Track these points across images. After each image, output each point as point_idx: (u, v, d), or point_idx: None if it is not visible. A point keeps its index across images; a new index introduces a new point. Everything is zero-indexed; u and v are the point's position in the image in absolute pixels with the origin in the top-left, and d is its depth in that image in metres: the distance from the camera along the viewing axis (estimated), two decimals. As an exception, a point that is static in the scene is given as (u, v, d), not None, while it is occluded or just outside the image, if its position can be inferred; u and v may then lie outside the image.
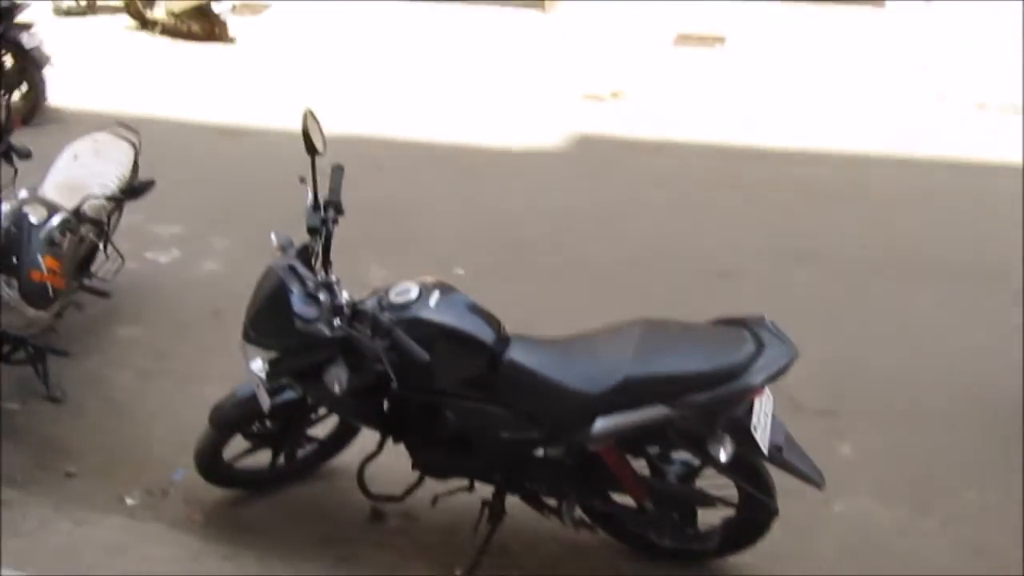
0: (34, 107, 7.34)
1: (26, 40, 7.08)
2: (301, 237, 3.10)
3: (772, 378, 2.81)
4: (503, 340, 3.02)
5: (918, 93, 8.10)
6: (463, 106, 8.03)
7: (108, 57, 9.55)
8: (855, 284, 5.15)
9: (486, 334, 2.98)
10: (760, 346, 2.84)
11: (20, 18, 7.25)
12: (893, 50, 9.02)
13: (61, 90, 7.70)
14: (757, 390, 2.83)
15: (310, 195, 3.10)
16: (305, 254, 3.07)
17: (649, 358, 2.86)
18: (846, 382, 4.31)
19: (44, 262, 3.83)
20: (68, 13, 10.75)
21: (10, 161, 4.31)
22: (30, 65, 7.16)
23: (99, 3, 10.80)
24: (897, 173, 6.61)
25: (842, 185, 6.40)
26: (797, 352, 2.86)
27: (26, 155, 4.30)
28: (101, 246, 4.41)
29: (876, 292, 5.08)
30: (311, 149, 3.03)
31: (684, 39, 9.51)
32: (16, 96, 7.29)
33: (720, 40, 9.42)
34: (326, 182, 3.15)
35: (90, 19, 10.69)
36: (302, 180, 3.11)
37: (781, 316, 3.03)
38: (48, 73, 7.38)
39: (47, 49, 7.26)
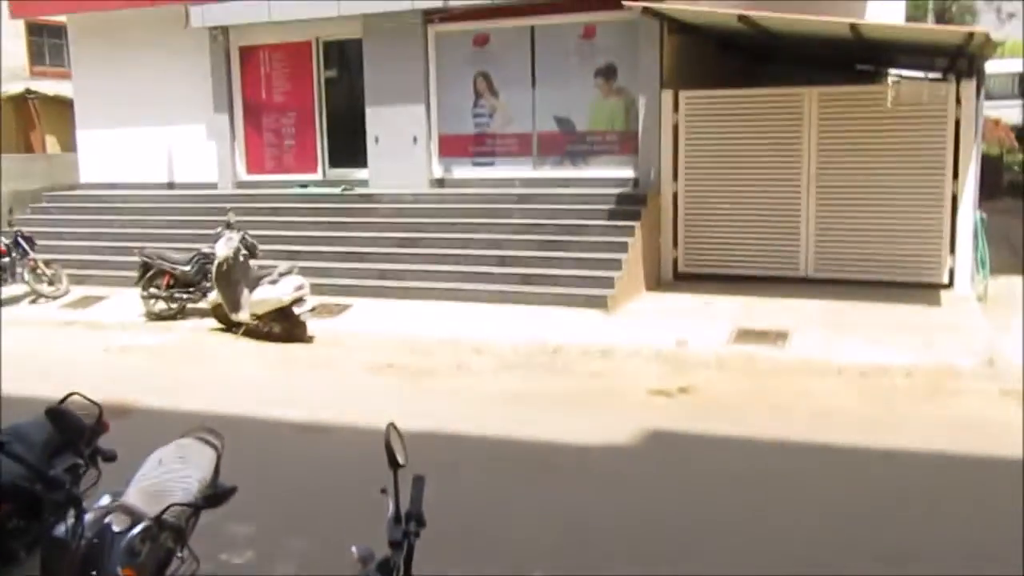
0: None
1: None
2: (380, 545, 3.06)
3: None
4: None
5: (982, 388, 8.05)
6: (534, 401, 8.16)
7: (195, 358, 10.06)
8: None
9: None
10: None
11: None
12: (955, 345, 9.08)
13: (150, 390, 8.04)
14: None
15: (391, 507, 3.10)
16: (386, 568, 3.01)
17: None
18: None
19: (122, 573, 3.81)
20: (160, 317, 11.49)
21: (95, 464, 4.40)
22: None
23: (188, 307, 11.53)
24: (968, 472, 6.40)
25: (930, 486, 6.19)
26: None
27: (111, 458, 4.39)
28: (178, 551, 4.38)
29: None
30: (393, 463, 3.07)
31: (745, 334, 9.72)
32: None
33: (783, 336, 9.59)
34: (407, 491, 3.15)
35: (180, 322, 11.39)
36: (383, 491, 3.12)
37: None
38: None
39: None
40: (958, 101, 11.02)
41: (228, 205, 13.12)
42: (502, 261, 11.76)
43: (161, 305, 11.54)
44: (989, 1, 45.21)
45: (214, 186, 15.10)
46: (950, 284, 11.26)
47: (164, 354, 10.25)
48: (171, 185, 15.65)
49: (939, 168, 11.19)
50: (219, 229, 10.90)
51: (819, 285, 11.44)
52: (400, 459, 3.09)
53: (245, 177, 15.14)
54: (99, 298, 12.69)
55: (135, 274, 11.63)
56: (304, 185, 14.55)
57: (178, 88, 15.24)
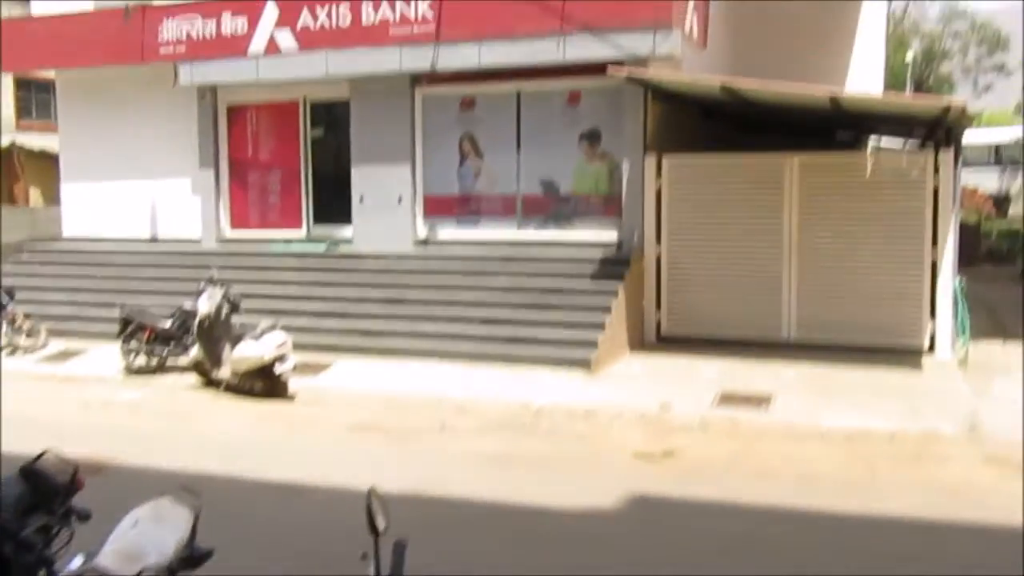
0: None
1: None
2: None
3: None
4: None
5: (965, 453, 8.04)
6: (518, 464, 8.08)
7: (173, 415, 9.93)
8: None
9: None
10: None
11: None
12: (937, 411, 9.10)
13: (127, 447, 7.90)
14: None
15: (372, 573, 3.04)
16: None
17: None
18: None
19: (92, 636, 3.70)
20: (139, 372, 11.37)
21: (69, 523, 4.30)
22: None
23: (168, 363, 11.42)
24: (953, 539, 6.36)
25: (915, 553, 6.14)
26: None
27: (86, 517, 4.29)
28: (151, 615, 4.26)
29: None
30: (374, 529, 3.02)
31: (728, 398, 9.71)
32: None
33: (766, 400, 9.59)
34: (389, 556, 3.10)
35: (159, 378, 11.27)
36: (363, 557, 3.06)
37: None
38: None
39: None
40: (936, 170, 11.22)
41: (211, 261, 13.12)
42: (486, 321, 11.76)
43: (141, 360, 11.43)
44: (966, 73, 46.36)
45: (198, 242, 15.09)
46: (931, 349, 11.34)
47: (142, 410, 10.11)
48: (154, 240, 15.62)
49: (919, 235, 11.34)
50: (202, 284, 10.86)
51: (802, 349, 11.50)
52: (380, 525, 3.05)
53: (229, 233, 15.14)
54: (78, 352, 12.56)
55: (115, 328, 11.54)
56: (288, 242, 14.56)
57: (164, 144, 15.33)
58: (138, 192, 15.66)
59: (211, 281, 10.80)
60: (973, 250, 19.73)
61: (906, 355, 11.16)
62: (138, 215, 15.71)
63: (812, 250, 11.76)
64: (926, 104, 11.90)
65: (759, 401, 9.57)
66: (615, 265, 12.09)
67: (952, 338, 11.30)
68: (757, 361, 11.07)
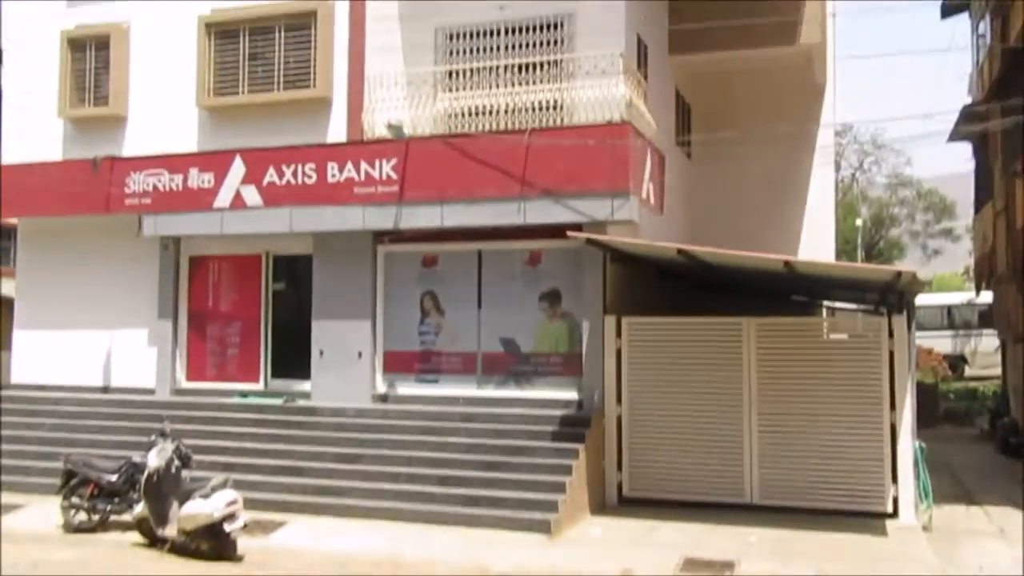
0: None
1: None
2: None
3: None
4: None
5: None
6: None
7: (109, 578, 9.42)
8: None
9: None
10: None
11: None
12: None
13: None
14: None
15: None
16: None
17: None
18: None
19: None
20: (79, 530, 10.87)
21: None
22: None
23: (111, 519, 10.95)
24: None
25: None
26: None
27: None
28: None
29: None
30: None
31: (691, 563, 9.45)
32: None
33: (729, 566, 9.34)
34: None
35: (100, 536, 10.77)
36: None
37: None
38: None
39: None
40: (891, 334, 11.42)
41: (164, 412, 12.83)
42: (444, 481, 11.50)
43: (82, 516, 10.96)
44: (914, 237, 48.11)
45: (152, 392, 14.80)
46: (895, 513, 11.22)
47: (79, 572, 9.58)
48: (106, 389, 15.30)
49: (876, 399, 11.42)
50: (153, 437, 10.55)
51: (765, 512, 11.34)
52: None
53: (184, 384, 14.88)
54: (16, 507, 12.01)
55: (58, 481, 11.11)
56: (244, 395, 14.32)
57: (122, 293, 15.27)
58: (93, 341, 15.44)
59: (162, 434, 10.50)
60: (931, 411, 19.91)
61: (870, 519, 11.03)
62: (92, 364, 15.44)
63: (772, 413, 11.77)
64: (877, 271, 12.24)
65: (722, 567, 9.32)
66: (576, 425, 11.98)
67: (915, 502, 11.22)
68: (720, 524, 10.86)
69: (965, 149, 22.35)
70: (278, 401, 13.89)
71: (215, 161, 14.22)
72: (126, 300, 15.23)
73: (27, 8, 16.19)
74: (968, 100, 21.45)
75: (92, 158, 14.97)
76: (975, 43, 21.10)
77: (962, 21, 22.08)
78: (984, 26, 20.06)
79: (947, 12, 21.94)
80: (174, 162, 14.47)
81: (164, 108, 15.00)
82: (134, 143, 15.20)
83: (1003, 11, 16.95)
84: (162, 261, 15.00)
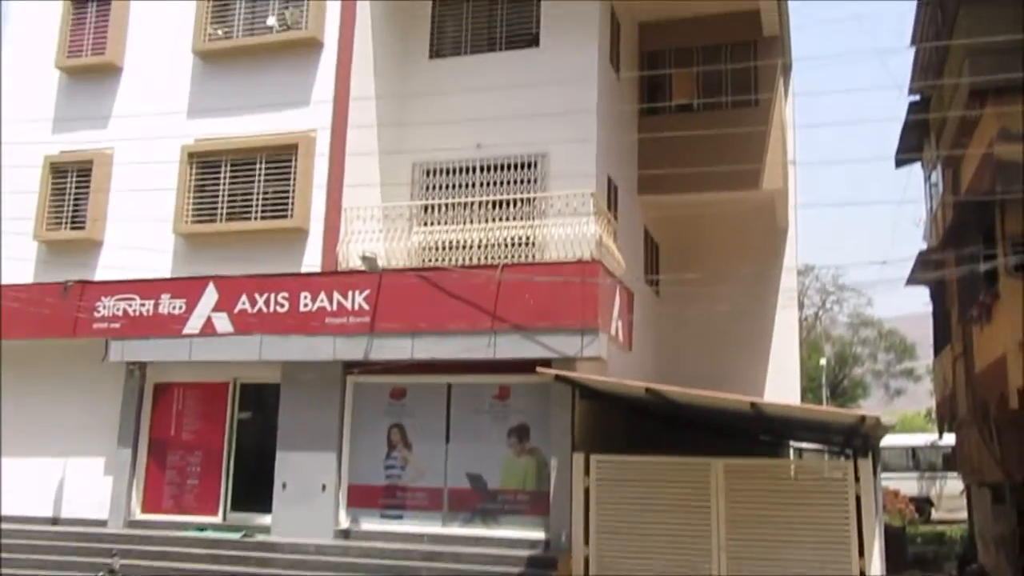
0: None
1: None
2: None
3: None
4: None
5: None
6: None
7: None
8: None
9: None
10: None
11: None
12: None
13: None
14: None
15: None
16: None
17: None
18: None
19: None
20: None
21: None
22: None
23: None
24: None
25: None
26: None
27: None
28: None
29: None
30: None
31: None
32: None
33: None
34: None
35: None
36: None
37: None
38: None
39: None
40: (857, 478, 11.41)
41: (115, 546, 12.40)
42: (404, 623, 11.12)
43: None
44: (877, 376, 48.72)
45: (104, 523, 14.29)
46: (865, 667, 10.93)
47: None
48: (56, 520, 14.75)
49: (844, 544, 11.28)
50: (100, 574, 10.17)
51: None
52: None
53: (139, 516, 14.39)
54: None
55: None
56: (202, 528, 13.89)
57: (81, 419, 14.94)
58: (46, 469, 14.95)
59: (111, 571, 10.14)
60: (900, 556, 19.65)
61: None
62: (42, 493, 14.91)
63: (741, 557, 11.58)
64: (841, 415, 12.33)
65: None
66: (542, 566, 11.73)
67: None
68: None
69: (924, 292, 22.93)
70: (236, 536, 13.47)
71: (188, 287, 14.24)
72: (85, 427, 14.88)
73: (13, 132, 16.34)
74: (924, 246, 22.14)
75: (63, 282, 14.92)
76: (928, 192, 21.94)
77: (916, 171, 23.02)
78: (936, 176, 20.91)
79: (900, 162, 22.89)
80: (146, 287, 14.46)
81: (141, 233, 15.02)
82: (108, 267, 15.16)
83: (954, 162, 17.70)
84: (126, 387, 14.76)
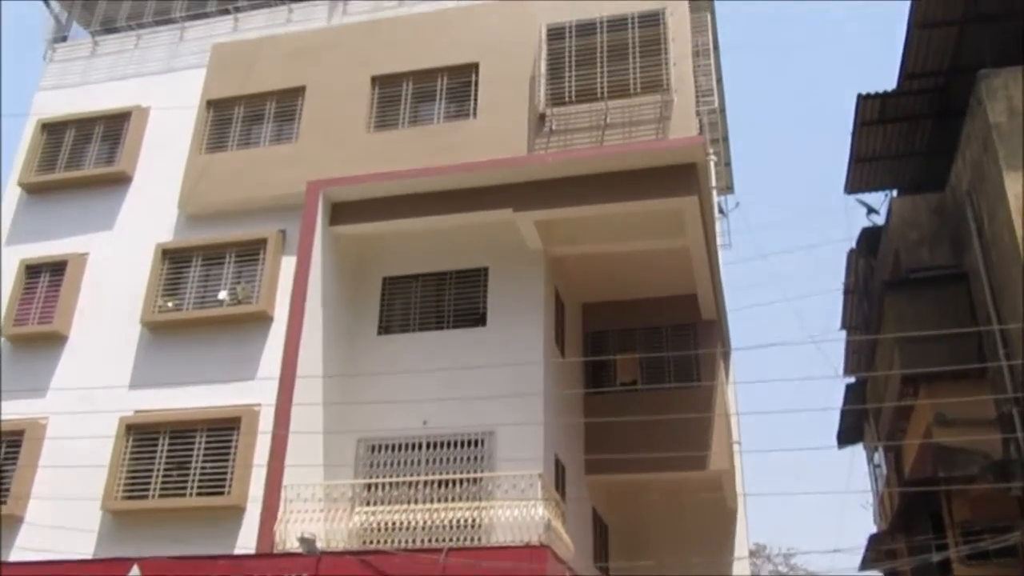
0: None
1: None
2: None
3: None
4: None
5: None
6: None
7: None
8: None
9: None
10: None
11: None
12: None
13: None
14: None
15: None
16: None
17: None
18: None
19: None
20: None
21: None
22: None
23: None
24: None
25: None
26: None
27: None
28: None
29: None
30: None
31: None
32: None
33: None
34: None
35: None
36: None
37: None
38: None
39: None
40: None
41: None
42: None
43: None
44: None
45: None
46: None
47: None
48: None
49: None
50: None
51: None
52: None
53: None
54: None
55: None
56: None
57: None
58: None
59: None
60: None
61: None
62: None
63: None
64: None
65: None
66: None
67: None
68: None
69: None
70: None
71: (110, 569, 13.29)
72: None
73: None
74: (874, 528, 21.96)
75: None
76: (872, 472, 22.10)
77: (859, 451, 23.28)
78: (879, 457, 21.14)
79: (843, 442, 23.22)
80: (65, 570, 13.46)
81: (66, 510, 14.14)
82: (28, 544, 14.11)
83: (895, 446, 17.98)
84: None
